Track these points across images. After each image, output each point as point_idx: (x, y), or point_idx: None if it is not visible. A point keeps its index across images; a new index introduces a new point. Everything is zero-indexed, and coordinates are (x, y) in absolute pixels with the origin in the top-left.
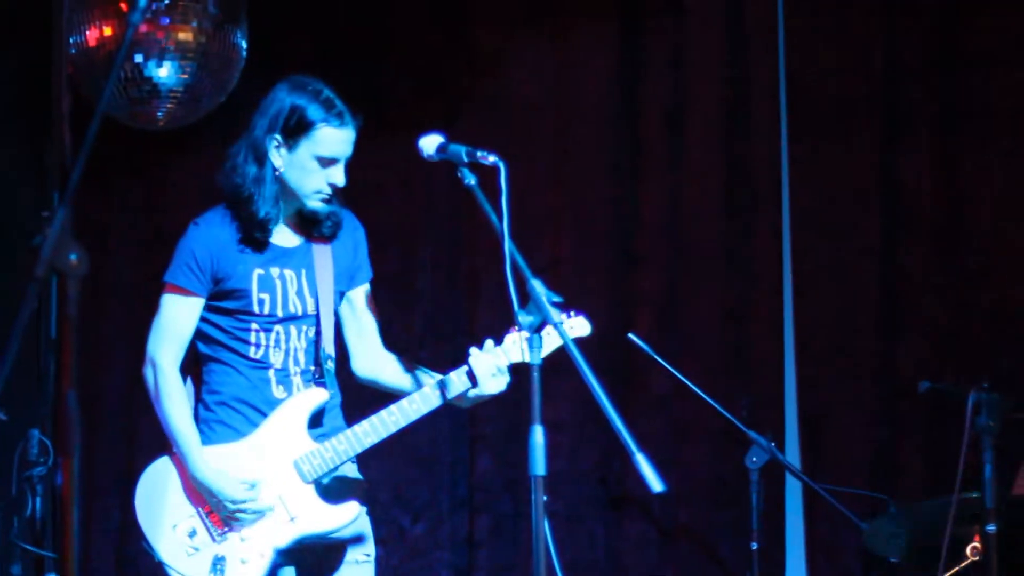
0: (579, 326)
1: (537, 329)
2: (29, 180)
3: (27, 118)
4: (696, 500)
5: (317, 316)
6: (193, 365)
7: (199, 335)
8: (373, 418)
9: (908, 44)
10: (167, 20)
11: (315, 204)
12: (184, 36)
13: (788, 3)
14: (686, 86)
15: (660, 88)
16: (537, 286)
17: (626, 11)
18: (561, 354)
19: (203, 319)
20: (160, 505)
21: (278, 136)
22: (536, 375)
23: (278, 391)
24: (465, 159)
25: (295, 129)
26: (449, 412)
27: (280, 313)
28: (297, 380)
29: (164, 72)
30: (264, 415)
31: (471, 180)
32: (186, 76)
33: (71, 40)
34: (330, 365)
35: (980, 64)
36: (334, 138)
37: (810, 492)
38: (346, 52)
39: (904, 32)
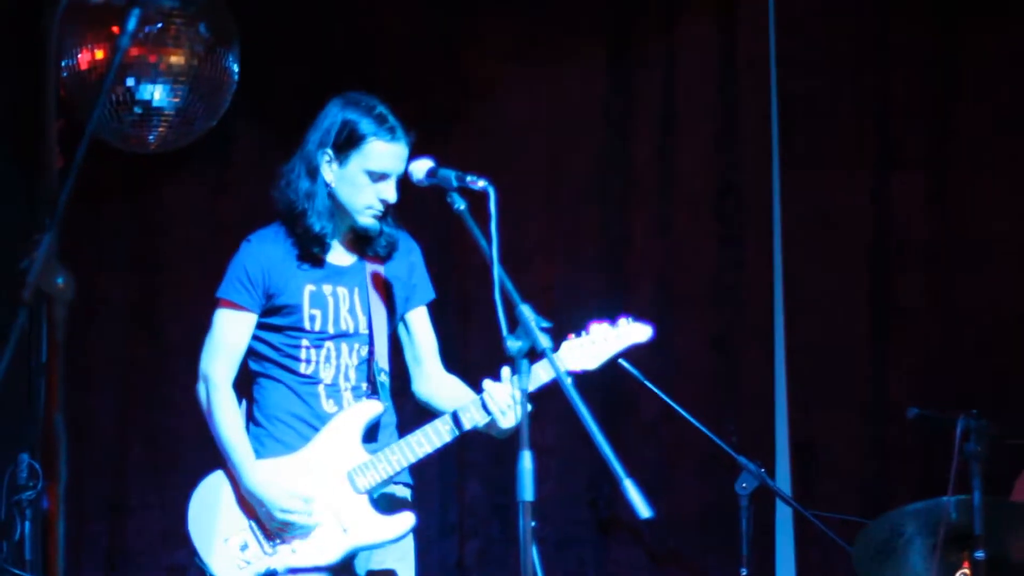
0: (639, 332)
1: (526, 355)
2: (19, 202)
3: (18, 140)
4: (686, 526)
5: (370, 335)
6: (244, 386)
7: (250, 353)
8: (427, 428)
9: (901, 71)
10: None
11: (366, 221)
12: (176, 59)
13: (779, 29)
14: (677, 112)
15: (651, 114)
16: (526, 311)
17: (617, 37)
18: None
19: (255, 337)
20: (212, 519)
21: (329, 150)
22: (524, 400)
23: (328, 405)
24: (455, 184)
25: (346, 143)
26: None
27: (331, 330)
28: (348, 395)
29: (156, 95)
30: (315, 429)
31: (461, 205)
32: (178, 99)
33: (63, 63)
34: (384, 379)
35: (973, 92)
36: (385, 152)
37: (800, 518)
38: (338, 77)
39: (897, 58)
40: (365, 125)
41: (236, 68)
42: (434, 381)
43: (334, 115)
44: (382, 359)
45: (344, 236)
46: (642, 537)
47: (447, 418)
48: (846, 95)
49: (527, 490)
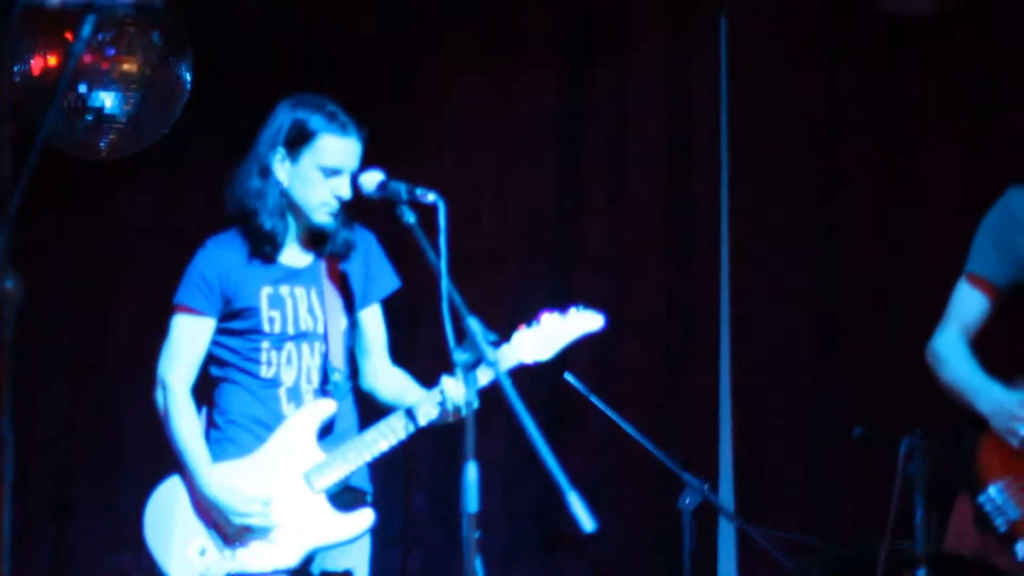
0: (590, 320)
1: (472, 367)
2: None
3: None
4: (630, 541)
5: (325, 335)
6: (206, 392)
7: (210, 359)
8: (381, 424)
9: (849, 93)
10: (112, 51)
11: (322, 218)
12: (129, 67)
13: (731, 47)
14: (628, 127)
15: (602, 128)
16: (473, 324)
17: (570, 51)
18: (498, 389)
19: (214, 343)
20: (169, 526)
21: (281, 149)
22: (470, 413)
23: (288, 408)
24: (405, 197)
25: (297, 140)
26: None
27: (291, 331)
28: (309, 398)
29: (108, 102)
30: (273, 432)
31: (411, 219)
32: (129, 107)
33: (15, 69)
34: (337, 378)
35: (921, 113)
36: (336, 148)
37: (743, 535)
38: (290, 87)
39: (845, 80)
40: (316, 121)
41: (189, 77)
42: (382, 374)
43: (284, 115)
44: (336, 359)
45: (300, 236)
46: (586, 552)
47: (401, 414)
48: (795, 113)
49: (472, 502)
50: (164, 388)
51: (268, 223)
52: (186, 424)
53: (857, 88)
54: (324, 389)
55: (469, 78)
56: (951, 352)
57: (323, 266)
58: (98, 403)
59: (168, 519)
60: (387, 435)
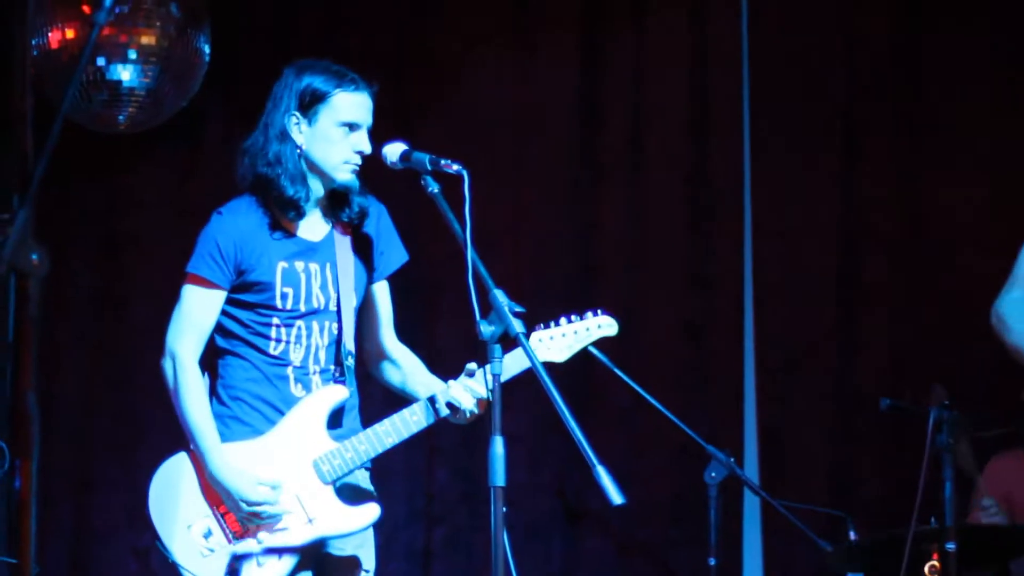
0: (606, 325)
1: (498, 340)
2: None
3: None
4: (654, 515)
5: (338, 312)
6: (209, 360)
7: (217, 329)
8: (395, 417)
9: (870, 60)
10: (131, 23)
11: (345, 176)
12: (147, 39)
13: (751, 17)
14: (648, 99)
15: (621, 100)
16: (499, 296)
17: (588, 24)
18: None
19: (223, 313)
20: (174, 503)
21: (296, 113)
22: (497, 386)
23: (296, 389)
24: (429, 167)
25: (312, 101)
26: None
27: (303, 308)
28: (316, 379)
29: (126, 75)
30: (282, 413)
31: (435, 188)
32: (148, 80)
33: (33, 42)
34: (350, 362)
35: (940, 81)
36: (352, 102)
37: (768, 508)
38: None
39: (866, 47)
40: (326, 81)
41: (207, 49)
42: (389, 352)
43: (292, 80)
44: (349, 341)
45: (319, 202)
46: (610, 527)
47: (416, 408)
48: (816, 85)
49: (499, 476)
50: (173, 359)
51: (290, 189)
52: (196, 402)
53: (877, 55)
54: (334, 373)
55: (487, 52)
56: (1016, 315)
57: (338, 239)
58: (116, 378)
59: (174, 497)
60: (400, 430)
